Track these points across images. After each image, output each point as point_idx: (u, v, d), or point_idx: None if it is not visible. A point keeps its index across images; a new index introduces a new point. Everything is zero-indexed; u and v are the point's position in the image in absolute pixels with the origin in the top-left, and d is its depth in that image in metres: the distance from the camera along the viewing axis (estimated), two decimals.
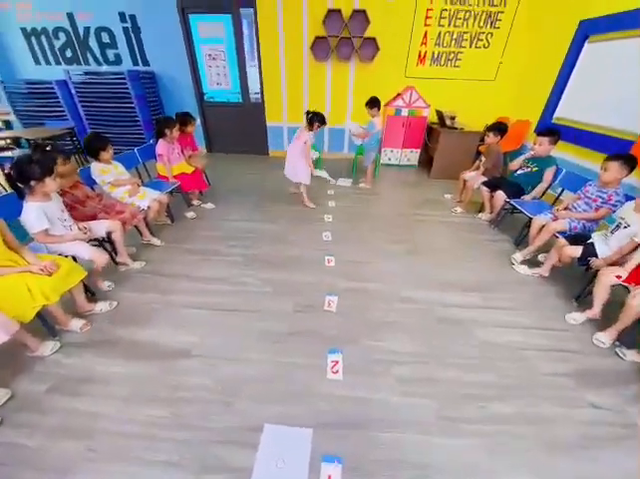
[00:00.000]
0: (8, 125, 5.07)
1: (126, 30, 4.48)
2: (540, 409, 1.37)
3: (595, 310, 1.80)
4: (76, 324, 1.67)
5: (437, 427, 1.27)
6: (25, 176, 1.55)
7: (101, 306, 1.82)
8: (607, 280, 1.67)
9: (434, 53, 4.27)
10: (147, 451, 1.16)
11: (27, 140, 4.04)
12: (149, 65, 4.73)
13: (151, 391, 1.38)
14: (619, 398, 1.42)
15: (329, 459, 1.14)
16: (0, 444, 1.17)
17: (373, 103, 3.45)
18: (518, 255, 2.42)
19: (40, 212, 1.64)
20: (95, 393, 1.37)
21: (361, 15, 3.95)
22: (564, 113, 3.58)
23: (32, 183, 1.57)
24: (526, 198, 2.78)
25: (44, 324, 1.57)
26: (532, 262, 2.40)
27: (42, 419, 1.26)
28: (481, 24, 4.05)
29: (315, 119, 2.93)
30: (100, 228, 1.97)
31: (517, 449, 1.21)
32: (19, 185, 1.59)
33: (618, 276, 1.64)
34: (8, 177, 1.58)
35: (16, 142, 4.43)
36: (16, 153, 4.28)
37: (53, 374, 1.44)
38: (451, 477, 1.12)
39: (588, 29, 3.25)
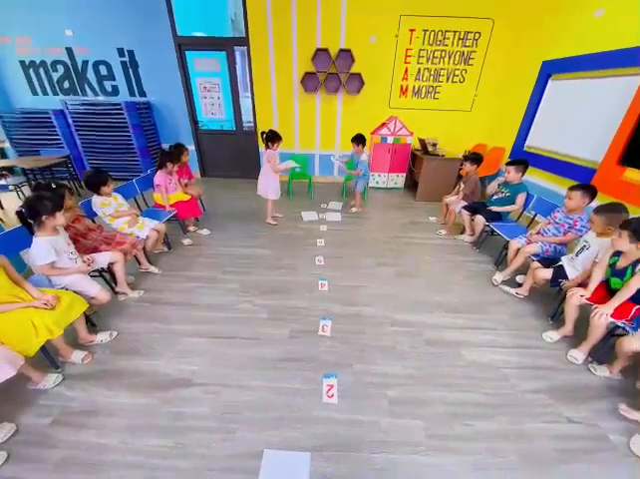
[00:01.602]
0: (2, 153, 5.12)
1: (124, 64, 4.70)
2: (521, 426, 1.47)
3: (568, 328, 1.96)
4: (77, 356, 1.71)
5: (425, 446, 1.36)
6: (36, 211, 1.65)
7: (101, 337, 1.86)
8: (574, 301, 1.84)
9: (414, 87, 4.63)
10: None
11: (22, 168, 4.11)
12: (145, 96, 4.93)
13: (153, 421, 1.43)
14: (593, 412, 1.54)
15: None
16: None
17: (359, 139, 3.70)
18: (499, 276, 2.59)
19: (49, 245, 1.72)
20: (98, 425, 1.41)
21: (347, 54, 4.30)
22: (534, 142, 3.91)
23: (43, 217, 1.66)
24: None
25: (46, 357, 1.61)
26: (512, 282, 2.57)
27: (47, 453, 1.29)
28: (457, 61, 4.45)
29: (265, 138, 3.17)
30: (103, 259, 2.05)
31: (500, 465, 1.31)
32: (29, 221, 1.68)
33: (582, 296, 1.82)
34: (19, 214, 1.66)
35: (10, 170, 4.50)
36: (10, 181, 4.33)
37: (56, 407, 1.47)
38: None
39: (550, 69, 3.64)
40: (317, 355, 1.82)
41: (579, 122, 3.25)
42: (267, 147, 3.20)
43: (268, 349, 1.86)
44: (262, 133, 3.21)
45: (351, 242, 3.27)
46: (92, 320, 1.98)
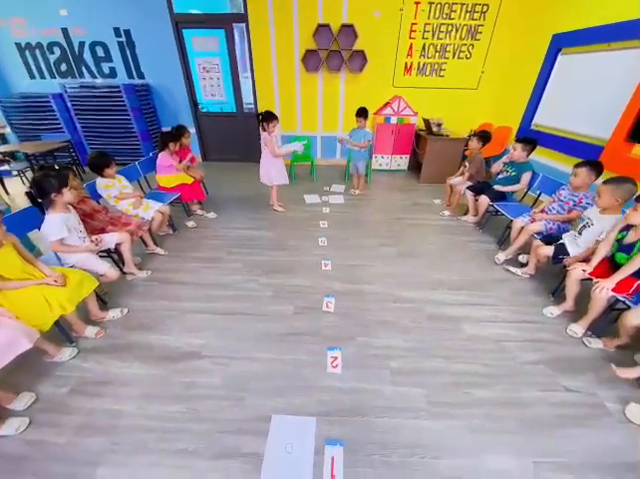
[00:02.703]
0: (4, 139, 5.11)
1: (120, 44, 4.59)
2: (519, 394, 1.53)
3: (569, 303, 1.99)
4: (91, 331, 1.78)
5: (426, 412, 1.42)
6: (44, 190, 1.69)
7: (113, 314, 1.93)
8: (576, 275, 1.86)
9: (419, 64, 4.49)
10: (166, 442, 1.29)
11: (25, 153, 4.11)
12: (143, 78, 4.84)
13: (166, 390, 1.50)
14: (591, 382, 1.58)
15: (332, 442, 1.28)
16: (32, 442, 1.28)
17: (365, 112, 3.60)
18: (501, 255, 2.61)
19: (62, 222, 1.77)
20: (114, 393, 1.48)
21: (349, 29, 4.16)
22: (542, 120, 3.82)
23: (52, 195, 1.71)
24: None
25: (61, 332, 1.67)
26: (514, 262, 2.58)
27: (67, 418, 1.37)
28: (463, 36, 4.29)
29: (261, 118, 2.97)
30: (110, 239, 2.09)
31: (498, 429, 1.37)
32: (39, 200, 1.72)
33: (584, 271, 1.83)
34: (29, 195, 1.70)
35: (12, 155, 4.50)
36: (13, 166, 4.35)
37: (73, 377, 1.55)
38: (438, 454, 1.27)
39: (560, 42, 3.50)
40: (321, 330, 1.88)
41: (588, 98, 3.16)
42: (263, 129, 3.03)
43: (274, 324, 1.91)
44: (258, 114, 3.04)
45: (354, 224, 3.28)
46: (103, 299, 2.03)
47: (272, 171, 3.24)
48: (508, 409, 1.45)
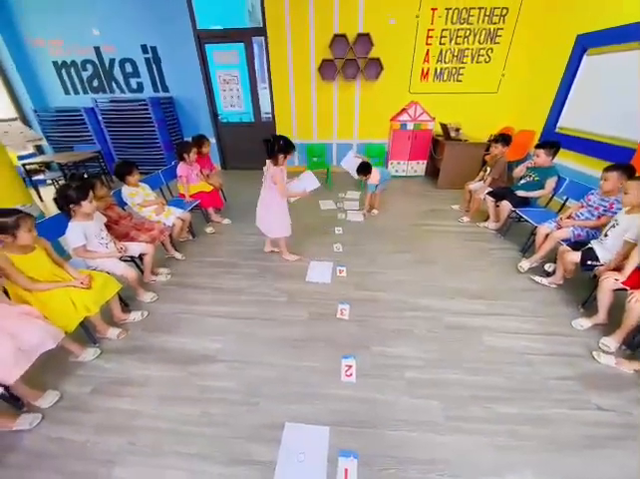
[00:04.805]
0: (40, 150, 5.49)
1: (147, 60, 4.87)
2: (545, 411, 1.43)
3: (601, 316, 1.86)
4: (113, 333, 1.85)
5: (443, 426, 1.36)
6: (64, 202, 1.80)
7: (134, 316, 2.00)
8: (608, 285, 1.74)
9: (436, 69, 4.45)
10: (180, 445, 1.30)
11: (58, 163, 4.39)
12: (168, 91, 5.09)
13: (182, 392, 1.53)
14: (624, 400, 1.47)
15: (346, 454, 1.25)
16: (52, 439, 1.33)
17: (365, 169, 3.20)
18: (525, 263, 2.49)
19: (79, 230, 1.86)
20: (133, 394, 1.52)
21: (365, 38, 4.20)
22: (567, 122, 3.67)
23: (71, 206, 1.81)
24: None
25: (86, 333, 1.75)
26: (539, 270, 2.46)
27: (88, 417, 1.41)
28: (482, 40, 4.23)
29: (276, 149, 2.15)
30: (136, 249, 2.20)
31: (522, 447, 1.29)
32: (64, 208, 1.83)
33: (617, 280, 1.71)
34: (56, 202, 1.81)
35: (47, 165, 4.83)
36: (48, 175, 4.66)
37: (95, 377, 1.61)
38: (459, 472, 1.20)
39: (586, 43, 3.37)
40: (335, 337, 1.85)
41: (617, 99, 3.01)
42: (275, 162, 2.20)
43: (288, 330, 1.91)
44: (266, 141, 2.17)
45: (369, 231, 3.25)
46: (125, 301, 2.11)
47: (278, 218, 2.44)
48: (533, 427, 1.37)
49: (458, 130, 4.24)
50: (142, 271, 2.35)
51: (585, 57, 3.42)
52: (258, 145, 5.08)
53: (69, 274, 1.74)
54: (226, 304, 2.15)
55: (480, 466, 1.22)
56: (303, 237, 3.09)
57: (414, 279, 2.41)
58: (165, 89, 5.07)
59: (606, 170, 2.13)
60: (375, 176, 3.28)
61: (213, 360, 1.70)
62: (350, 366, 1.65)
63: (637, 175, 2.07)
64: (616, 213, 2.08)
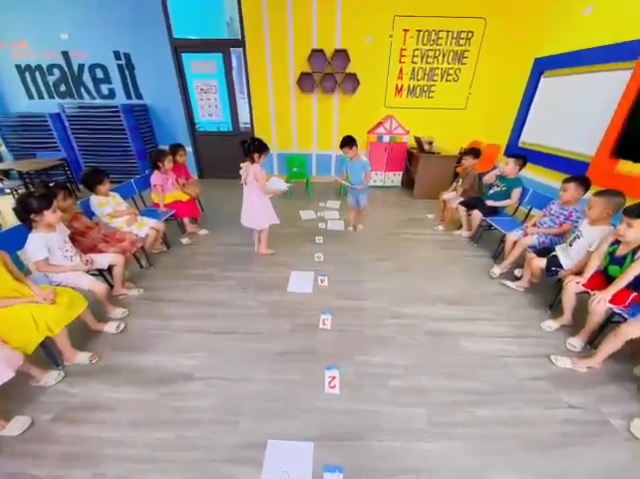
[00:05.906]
0: None
1: (120, 67, 4.71)
2: (521, 411, 1.49)
3: (566, 317, 1.98)
4: (84, 357, 1.70)
5: (428, 433, 1.37)
6: (25, 210, 1.67)
7: (108, 328, 1.91)
8: (572, 288, 1.86)
9: (409, 86, 4.67)
10: (153, 473, 1.21)
11: (19, 171, 4.09)
12: (142, 98, 4.94)
13: (155, 415, 1.43)
14: (594, 398, 1.55)
15: (330, 469, 1.21)
16: (11, 475, 1.19)
17: (350, 142, 2.85)
18: (496, 269, 2.61)
19: (40, 242, 1.72)
20: (101, 420, 1.40)
21: (342, 54, 4.34)
22: (529, 138, 3.96)
23: (32, 216, 1.68)
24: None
25: (47, 354, 1.60)
26: (510, 275, 2.59)
27: (50, 448, 1.28)
28: (450, 61, 4.51)
29: (252, 149, 2.44)
30: (103, 260, 2.06)
31: (502, 450, 1.32)
32: (24, 219, 1.69)
33: (578, 283, 1.84)
34: (15, 211, 1.67)
35: (5, 173, 4.48)
36: (6, 184, 4.32)
37: (58, 403, 1.47)
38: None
39: (542, 65, 3.70)
40: (318, 348, 1.83)
41: (572, 117, 3.29)
42: (252, 160, 2.48)
43: (269, 343, 1.86)
44: (243, 142, 2.46)
45: (350, 240, 3.28)
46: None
47: (263, 210, 2.68)
48: (512, 428, 1.41)
49: (431, 143, 4.44)
50: (111, 286, 2.22)
51: (542, 78, 3.74)
52: (237, 154, 5.01)
53: (30, 290, 1.60)
54: (203, 318, 2.06)
55: (465, 471, 1.24)
56: (284, 246, 3.06)
57: (394, 287, 2.44)
58: (139, 96, 4.92)
59: (565, 181, 2.31)
60: (362, 155, 3.02)
61: (190, 378, 1.61)
62: (333, 377, 1.63)
63: (591, 185, 2.26)
64: (576, 221, 2.26)
